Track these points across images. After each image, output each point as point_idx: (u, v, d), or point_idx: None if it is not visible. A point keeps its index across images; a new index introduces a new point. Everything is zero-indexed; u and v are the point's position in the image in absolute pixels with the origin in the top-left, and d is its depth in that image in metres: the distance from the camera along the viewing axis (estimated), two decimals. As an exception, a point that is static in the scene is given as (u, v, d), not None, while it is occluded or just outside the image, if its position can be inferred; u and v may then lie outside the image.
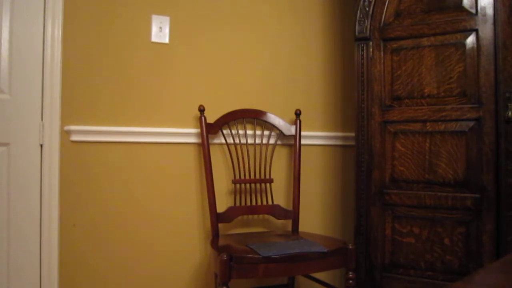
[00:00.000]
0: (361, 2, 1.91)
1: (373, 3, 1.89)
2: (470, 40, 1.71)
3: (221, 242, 1.74)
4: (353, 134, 2.24)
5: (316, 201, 2.27)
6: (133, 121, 1.88)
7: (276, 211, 2.00)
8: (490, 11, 1.66)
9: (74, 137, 1.77)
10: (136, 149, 1.88)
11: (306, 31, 2.25)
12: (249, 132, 2.06)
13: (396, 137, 1.86)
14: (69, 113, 1.77)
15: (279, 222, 2.16)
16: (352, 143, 2.24)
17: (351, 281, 1.64)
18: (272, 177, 2.09)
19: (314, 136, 2.24)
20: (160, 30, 1.92)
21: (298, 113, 2.09)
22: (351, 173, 2.32)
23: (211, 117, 1.98)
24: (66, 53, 1.76)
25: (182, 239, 1.96)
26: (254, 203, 2.01)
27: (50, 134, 1.73)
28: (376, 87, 1.90)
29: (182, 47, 1.97)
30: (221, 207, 1.96)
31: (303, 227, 2.19)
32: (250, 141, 2.06)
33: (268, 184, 2.06)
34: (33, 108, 1.72)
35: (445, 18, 1.75)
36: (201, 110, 1.91)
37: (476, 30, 1.69)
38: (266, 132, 2.08)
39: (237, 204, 2.00)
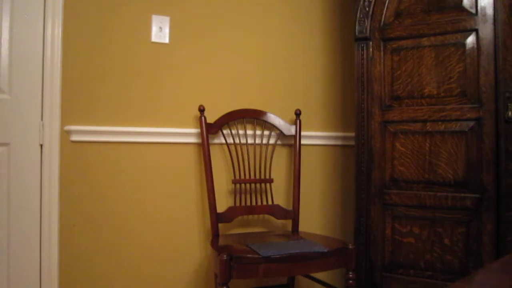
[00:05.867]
0: (361, 2, 1.91)
1: (373, 3, 1.89)
2: (470, 40, 1.71)
3: (221, 242, 1.74)
4: (353, 134, 2.24)
5: (316, 201, 2.27)
6: (133, 121, 1.88)
7: (276, 211, 2.00)
8: (490, 11, 1.66)
9: (74, 137, 1.77)
10: (136, 149, 1.88)
11: (306, 31, 2.25)
12: (249, 132, 2.06)
13: (396, 137, 1.86)
14: (69, 113, 1.77)
15: (279, 222, 2.16)
16: (352, 143, 2.24)
17: (351, 281, 1.64)
18: (272, 177, 2.09)
19: (314, 136, 2.24)
20: (160, 30, 1.92)
21: (298, 113, 2.09)
22: (351, 173, 2.32)
23: (211, 117, 1.98)
24: (66, 53, 1.76)
25: (182, 239, 1.96)
26: (254, 203, 2.01)
27: (50, 134, 1.73)
28: (376, 87, 1.90)
29: (182, 47, 1.97)
30: (221, 207, 1.96)
31: (303, 227, 2.20)
32: (250, 141, 2.06)
33: (268, 184, 2.06)
34: (33, 108, 1.72)
35: (445, 18, 1.75)
36: (201, 110, 1.91)
37: (476, 30, 1.69)
38: (266, 132, 2.08)
39: (237, 204, 2.00)
